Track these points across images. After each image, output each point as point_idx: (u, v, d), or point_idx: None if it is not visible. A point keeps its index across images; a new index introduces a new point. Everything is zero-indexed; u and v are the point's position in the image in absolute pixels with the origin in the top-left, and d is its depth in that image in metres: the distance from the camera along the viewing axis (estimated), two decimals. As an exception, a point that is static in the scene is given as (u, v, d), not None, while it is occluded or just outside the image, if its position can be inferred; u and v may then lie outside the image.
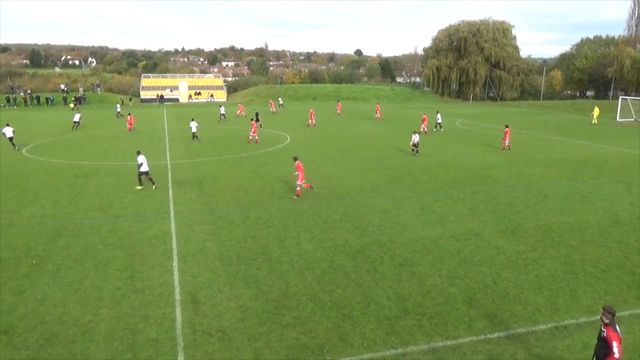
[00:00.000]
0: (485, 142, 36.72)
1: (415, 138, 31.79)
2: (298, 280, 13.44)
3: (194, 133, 38.53)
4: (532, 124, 51.09)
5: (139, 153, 23.44)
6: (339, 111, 60.38)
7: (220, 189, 23.36)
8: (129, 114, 47.90)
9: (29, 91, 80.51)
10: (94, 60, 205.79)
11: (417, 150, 31.69)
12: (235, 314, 11.63)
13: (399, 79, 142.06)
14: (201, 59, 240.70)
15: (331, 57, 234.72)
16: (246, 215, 19.24)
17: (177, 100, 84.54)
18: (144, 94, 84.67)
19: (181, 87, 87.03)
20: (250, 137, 36.94)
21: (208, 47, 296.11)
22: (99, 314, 11.66)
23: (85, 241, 16.42)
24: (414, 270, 14.08)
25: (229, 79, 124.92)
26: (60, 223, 18.35)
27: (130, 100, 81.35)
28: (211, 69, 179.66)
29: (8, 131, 34.95)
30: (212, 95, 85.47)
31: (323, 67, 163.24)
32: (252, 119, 40.10)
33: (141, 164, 23.02)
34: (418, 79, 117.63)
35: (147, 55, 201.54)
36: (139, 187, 23.25)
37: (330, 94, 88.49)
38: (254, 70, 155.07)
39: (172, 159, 31.11)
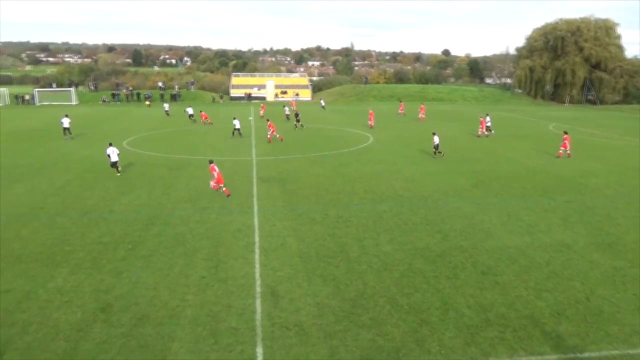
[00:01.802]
0: (581, 148, 34.27)
1: (436, 139, 30.89)
2: (376, 282, 13.38)
3: (238, 129, 39.68)
4: (637, 130, 47.02)
5: (110, 145, 25.96)
6: (400, 110, 58.05)
7: (301, 186, 23.79)
8: (201, 111, 51.16)
9: (131, 88, 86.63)
10: (188, 59, 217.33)
11: (436, 152, 30.98)
12: (312, 310, 11.80)
13: (488, 80, 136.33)
14: (288, 59, 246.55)
15: (417, 57, 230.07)
16: (326, 213, 19.45)
17: (263, 98, 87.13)
18: (234, 92, 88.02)
19: (268, 86, 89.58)
20: (270, 136, 37.47)
21: (295, 47, 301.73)
22: (186, 299, 12.34)
23: (176, 230, 17.44)
24: (498, 280, 13.51)
25: (314, 78, 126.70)
26: (154, 212, 19.63)
27: (222, 97, 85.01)
28: (297, 69, 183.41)
29: (65, 122, 38.53)
30: (297, 94, 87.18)
31: (409, 67, 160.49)
32: (267, 120, 40.45)
33: (109, 155, 25.52)
34: (509, 80, 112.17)
35: (238, 55, 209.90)
36: (118, 174, 25.77)
37: (415, 95, 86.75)
38: (339, 69, 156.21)
39: (257, 155, 32.13)
